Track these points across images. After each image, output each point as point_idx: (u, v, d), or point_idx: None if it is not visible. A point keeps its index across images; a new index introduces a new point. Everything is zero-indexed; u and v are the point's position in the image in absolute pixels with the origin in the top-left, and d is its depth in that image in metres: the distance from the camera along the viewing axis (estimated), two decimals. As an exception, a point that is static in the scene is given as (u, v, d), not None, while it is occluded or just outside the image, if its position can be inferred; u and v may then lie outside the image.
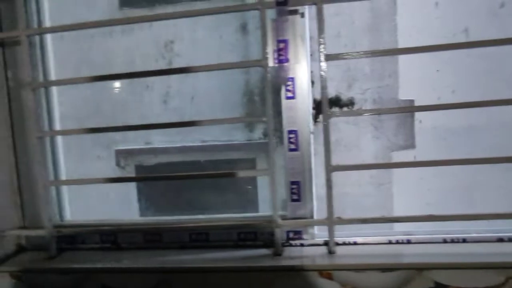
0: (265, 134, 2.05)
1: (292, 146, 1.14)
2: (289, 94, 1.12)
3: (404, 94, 1.88)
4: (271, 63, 1.07)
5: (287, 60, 1.08)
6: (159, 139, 2.22)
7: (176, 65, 2.11)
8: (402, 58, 1.81)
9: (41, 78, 1.28)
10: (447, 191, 1.92)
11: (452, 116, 1.85)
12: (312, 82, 2.00)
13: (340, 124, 1.88)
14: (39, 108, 1.25)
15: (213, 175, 1.51)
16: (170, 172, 1.59)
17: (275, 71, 1.09)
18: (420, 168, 1.16)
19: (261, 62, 1.05)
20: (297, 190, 1.16)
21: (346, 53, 1.03)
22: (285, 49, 1.07)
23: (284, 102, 1.13)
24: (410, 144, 1.88)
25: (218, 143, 2.11)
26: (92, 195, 2.07)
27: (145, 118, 2.16)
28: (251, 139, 2.10)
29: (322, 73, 1.03)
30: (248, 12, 1.52)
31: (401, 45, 1.83)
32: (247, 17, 2.04)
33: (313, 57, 1.12)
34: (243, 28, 2.02)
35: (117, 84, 2.22)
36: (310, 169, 1.17)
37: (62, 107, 1.40)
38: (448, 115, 1.83)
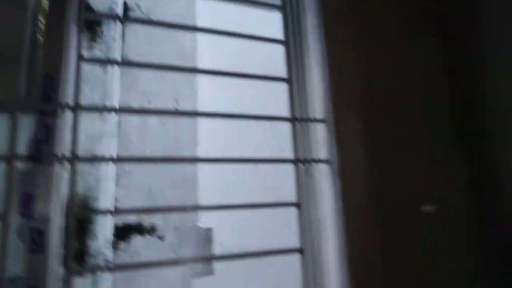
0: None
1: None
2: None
3: (204, 221, 2.05)
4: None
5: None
6: None
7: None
8: (202, 186, 2.02)
9: None
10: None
11: (252, 239, 2.04)
12: (112, 212, 2.01)
13: (141, 249, 1.88)
14: None
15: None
16: None
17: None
18: None
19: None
20: None
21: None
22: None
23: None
24: (208, 271, 1.97)
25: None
26: None
27: None
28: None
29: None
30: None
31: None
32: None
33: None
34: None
35: None
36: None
37: None
38: (249, 239, 2.03)
